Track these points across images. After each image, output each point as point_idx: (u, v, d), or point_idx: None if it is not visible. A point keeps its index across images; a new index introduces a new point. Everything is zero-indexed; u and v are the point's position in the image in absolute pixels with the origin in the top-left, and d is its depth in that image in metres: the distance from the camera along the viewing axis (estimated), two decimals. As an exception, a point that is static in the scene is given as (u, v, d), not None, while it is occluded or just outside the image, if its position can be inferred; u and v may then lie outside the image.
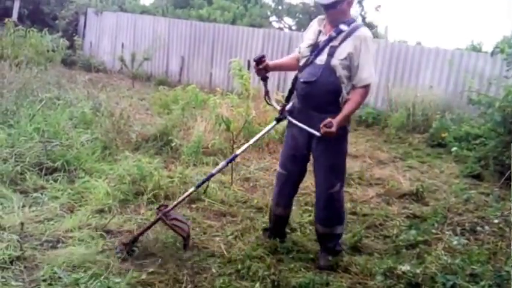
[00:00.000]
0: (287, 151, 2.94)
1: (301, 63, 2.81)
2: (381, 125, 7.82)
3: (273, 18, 15.59)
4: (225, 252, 2.88)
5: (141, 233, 2.85)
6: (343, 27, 2.65)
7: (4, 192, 3.33)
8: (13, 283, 2.33)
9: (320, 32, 2.76)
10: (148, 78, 11.22)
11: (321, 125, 2.56)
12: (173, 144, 4.82)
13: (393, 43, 9.15)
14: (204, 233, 3.16)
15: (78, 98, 5.94)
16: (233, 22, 12.46)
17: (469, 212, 3.97)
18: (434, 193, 4.54)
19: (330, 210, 2.82)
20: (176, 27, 11.38)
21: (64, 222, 3.00)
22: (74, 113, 5.24)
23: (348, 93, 2.66)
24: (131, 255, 2.73)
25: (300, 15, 14.06)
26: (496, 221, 3.68)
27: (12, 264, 2.48)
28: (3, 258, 2.49)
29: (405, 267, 2.74)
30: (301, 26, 13.26)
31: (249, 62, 8.85)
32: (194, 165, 4.58)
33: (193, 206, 3.65)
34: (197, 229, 3.20)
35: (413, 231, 3.36)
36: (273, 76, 9.16)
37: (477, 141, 5.95)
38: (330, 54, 2.65)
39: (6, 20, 9.14)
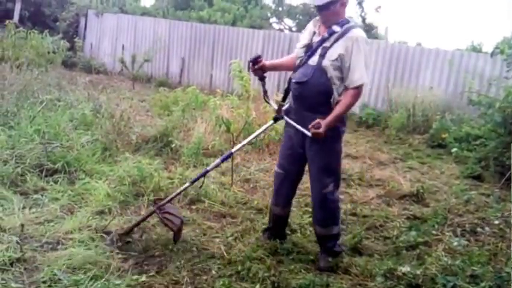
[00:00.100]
0: (284, 151, 2.98)
1: (296, 63, 2.84)
2: (382, 126, 7.82)
3: (273, 20, 15.60)
4: (225, 254, 2.88)
5: (136, 225, 2.94)
6: (336, 28, 2.65)
7: (4, 193, 3.33)
8: (13, 285, 2.32)
9: (314, 33, 2.78)
10: (149, 80, 11.24)
11: (310, 126, 2.60)
12: (173, 146, 4.82)
13: (393, 44, 9.15)
14: (204, 235, 3.16)
15: (78, 99, 5.95)
16: (233, 24, 12.47)
17: (470, 213, 3.97)
18: (435, 194, 4.54)
19: (324, 211, 2.83)
20: (177, 28, 11.40)
21: (64, 224, 3.00)
22: (75, 114, 5.24)
23: (340, 95, 2.66)
24: (124, 244, 2.83)
25: (301, 17, 14.06)
26: (496, 222, 3.67)
27: (12, 266, 2.48)
28: (3, 260, 2.49)
29: (406, 269, 2.74)
30: (302, 27, 13.24)
31: (249, 63, 8.85)
32: (194, 166, 4.59)
33: (193, 207, 3.65)
34: (197, 230, 3.21)
35: (413, 233, 3.36)
36: (273, 76, 9.23)
37: (477, 142, 5.95)
38: (322, 55, 2.66)
39: (7, 21, 9.15)
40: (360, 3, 13.77)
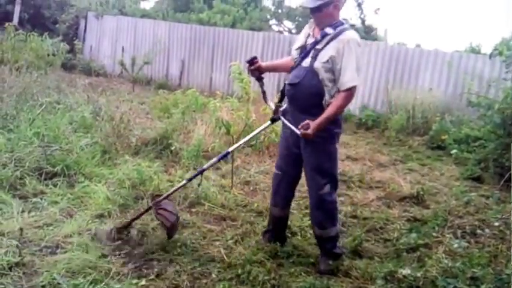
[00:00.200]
0: (281, 151, 3.02)
1: (292, 65, 2.85)
2: (381, 128, 7.82)
3: (272, 22, 15.63)
4: (225, 257, 2.87)
5: (133, 220, 3.01)
6: (328, 30, 2.66)
7: (3, 197, 3.32)
8: (12, 289, 2.32)
9: (309, 35, 2.80)
10: (148, 82, 11.23)
11: (299, 126, 2.61)
12: (173, 148, 4.82)
13: (392, 45, 9.16)
14: (204, 238, 3.15)
15: (78, 102, 5.94)
16: (233, 26, 12.49)
17: (470, 215, 3.96)
18: (435, 196, 4.54)
19: (321, 212, 2.82)
20: (177, 31, 11.40)
21: (64, 228, 3.00)
22: (74, 117, 5.24)
23: (332, 97, 2.66)
24: (122, 239, 2.90)
25: (300, 19, 14.09)
26: (496, 223, 3.67)
27: (11, 271, 2.46)
28: (1, 264, 2.48)
29: (406, 271, 2.74)
30: (301, 29, 13.21)
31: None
32: (194, 169, 4.57)
33: (193, 210, 3.64)
34: (197, 233, 3.20)
35: (413, 235, 3.35)
36: (273, 77, 9.22)
37: (477, 144, 5.95)
38: (314, 57, 2.67)
39: (7, 24, 9.16)
40: (359, 5, 13.81)
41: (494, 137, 5.41)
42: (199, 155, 4.78)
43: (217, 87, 10.18)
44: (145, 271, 2.65)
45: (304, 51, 2.75)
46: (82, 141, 4.50)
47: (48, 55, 8.88)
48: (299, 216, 3.65)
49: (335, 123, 2.71)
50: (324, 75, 2.63)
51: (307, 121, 2.60)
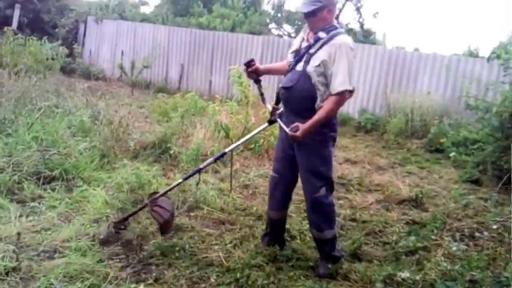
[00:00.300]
0: (278, 154, 3.03)
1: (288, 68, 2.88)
2: (380, 131, 7.84)
3: (272, 26, 15.68)
4: (224, 261, 2.86)
5: (130, 215, 3.08)
6: (321, 34, 2.67)
7: (1, 202, 3.31)
8: (9, 294, 2.31)
9: (303, 39, 2.82)
10: (148, 86, 11.25)
11: (289, 128, 2.64)
12: (172, 152, 4.81)
13: (391, 49, 9.18)
14: (203, 242, 3.14)
15: (77, 106, 5.94)
16: (232, 30, 12.53)
17: (468, 218, 3.96)
18: (433, 199, 4.54)
19: (318, 215, 2.82)
20: (176, 35, 11.43)
21: (61, 232, 2.99)
22: (73, 121, 5.22)
23: (325, 100, 2.66)
24: (118, 232, 2.97)
25: (299, 23, 14.13)
26: (495, 226, 3.67)
27: (8, 276, 2.45)
28: (-1, 269, 2.47)
29: (405, 274, 2.73)
30: (300, 32, 13.30)
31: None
32: (193, 172, 4.57)
33: (192, 214, 3.64)
34: (195, 237, 3.19)
35: (412, 238, 3.35)
36: (273, 80, 9.23)
37: (475, 146, 5.96)
38: (307, 61, 2.69)
39: (6, 28, 9.17)
40: (358, 9, 13.84)
41: (492, 139, 5.42)
42: (198, 159, 4.77)
43: (216, 91, 10.20)
44: (144, 275, 2.64)
45: (298, 55, 2.77)
46: (81, 145, 4.49)
47: (47, 59, 8.88)
48: (298, 219, 3.64)
49: (328, 126, 2.72)
50: (316, 79, 2.65)
51: (296, 123, 2.62)
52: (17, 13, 12.12)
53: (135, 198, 3.68)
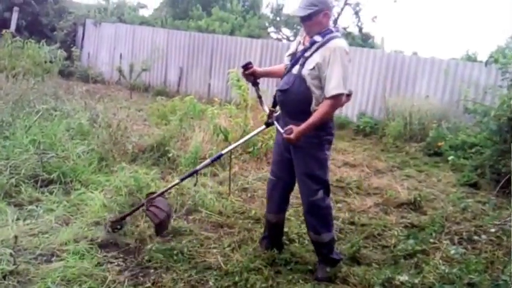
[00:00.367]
0: (275, 157, 3.05)
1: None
2: (379, 134, 7.85)
3: (271, 29, 15.74)
4: (222, 265, 2.86)
5: (127, 215, 3.12)
6: (317, 38, 2.68)
7: (-2, 205, 3.30)
8: (6, 298, 2.30)
9: (300, 42, 2.84)
10: (146, 89, 11.24)
11: (283, 131, 2.66)
12: (170, 155, 4.81)
13: (389, 53, 9.22)
14: (201, 245, 3.13)
15: (75, 109, 5.93)
16: (231, 33, 12.56)
17: (467, 221, 3.96)
18: (432, 202, 4.54)
19: (315, 218, 2.82)
20: (175, 38, 11.45)
21: (59, 235, 2.97)
22: (71, 124, 5.21)
23: (320, 103, 2.66)
24: (114, 232, 3.01)
25: (298, 26, 14.17)
26: (493, 229, 3.67)
27: (5, 279, 2.44)
28: (-4, 273, 2.46)
29: (404, 277, 2.73)
30: (299, 36, 13.36)
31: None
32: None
33: (190, 217, 3.63)
34: (194, 241, 3.17)
35: (411, 241, 3.34)
36: (272, 83, 9.24)
37: (473, 150, 5.97)
38: (302, 65, 2.70)
39: (4, 31, 9.16)
40: (356, 13, 13.91)
41: (490, 143, 5.43)
42: (196, 162, 4.76)
43: (215, 94, 10.21)
44: (142, 279, 2.63)
45: (294, 58, 2.79)
46: (79, 148, 4.48)
47: (45, 62, 8.87)
48: (297, 223, 3.63)
49: (324, 130, 2.72)
50: (311, 82, 2.66)
51: (290, 126, 2.64)
52: (15, 16, 12.12)
53: (133, 202, 3.65)
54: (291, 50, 2.88)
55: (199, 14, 14.09)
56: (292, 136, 2.61)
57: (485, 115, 5.56)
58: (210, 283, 2.65)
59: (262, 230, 3.35)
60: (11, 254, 2.61)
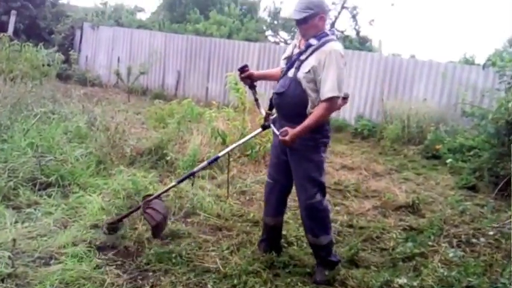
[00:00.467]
0: (272, 160, 3.06)
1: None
2: (377, 137, 7.86)
3: (268, 33, 15.78)
4: (221, 268, 2.85)
5: (123, 217, 3.11)
6: (313, 41, 2.69)
7: (-4, 208, 3.29)
8: (4, 301, 2.29)
9: (296, 45, 2.85)
10: (144, 92, 11.23)
11: (279, 133, 2.67)
12: (168, 158, 4.80)
13: (387, 56, 9.25)
14: (200, 248, 3.13)
15: (73, 112, 5.92)
16: (229, 36, 12.59)
17: (465, 224, 3.97)
18: (430, 205, 4.55)
19: (313, 221, 2.82)
20: (173, 41, 11.46)
21: (57, 238, 2.97)
22: (69, 127, 5.21)
23: (315, 107, 2.67)
24: (111, 234, 3.01)
25: (296, 30, 14.21)
26: (491, 232, 3.68)
27: (3, 282, 2.43)
28: (-6, 276, 2.45)
29: (402, 280, 2.73)
30: (296, 39, 13.39)
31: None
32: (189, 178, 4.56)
33: (189, 220, 3.63)
34: (192, 244, 3.17)
35: (409, 244, 3.35)
36: (269, 86, 9.27)
37: (471, 153, 5.99)
38: (297, 68, 2.72)
39: (2, 34, 9.14)
40: (354, 17, 13.96)
41: (488, 146, 5.45)
42: (194, 165, 4.75)
43: (213, 97, 10.21)
44: (140, 282, 2.63)
45: (290, 61, 2.80)
46: (77, 151, 4.47)
47: (43, 65, 8.85)
48: (295, 226, 3.63)
49: (320, 132, 2.73)
50: (306, 85, 2.67)
51: (286, 128, 2.64)
52: (13, 19, 12.11)
53: (131, 205, 3.64)
54: (287, 53, 2.89)
55: (196, 17, 14.11)
56: (287, 138, 2.62)
57: (483, 118, 5.58)
58: (209, 286, 2.64)
59: (260, 233, 3.34)
60: (9, 257, 2.60)
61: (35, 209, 3.39)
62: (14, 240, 2.74)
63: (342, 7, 13.93)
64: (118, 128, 4.90)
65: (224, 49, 10.69)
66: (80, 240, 2.99)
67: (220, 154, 3.22)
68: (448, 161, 6.04)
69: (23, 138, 4.44)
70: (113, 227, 3.06)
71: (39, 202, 3.54)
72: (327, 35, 2.71)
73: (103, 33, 12.71)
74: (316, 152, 2.76)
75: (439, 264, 3.05)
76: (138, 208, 3.11)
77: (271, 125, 2.91)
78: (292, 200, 3.55)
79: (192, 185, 3.53)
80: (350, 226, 3.80)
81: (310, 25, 2.69)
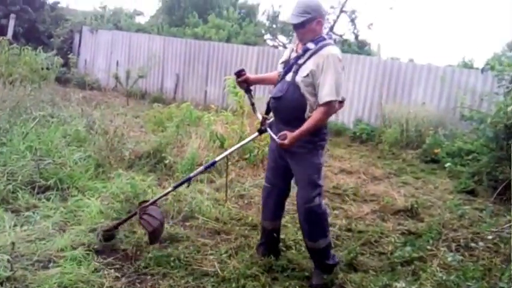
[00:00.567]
0: (269, 164, 3.07)
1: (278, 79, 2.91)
2: (375, 141, 7.87)
3: (267, 37, 15.81)
4: (219, 271, 2.85)
5: (119, 224, 3.12)
6: (310, 45, 2.71)
7: (-5, 211, 3.28)
8: (2, 305, 2.28)
9: (293, 49, 2.86)
10: (143, 96, 11.25)
11: (277, 136, 2.68)
12: (167, 162, 4.80)
13: (385, 60, 9.27)
14: (198, 252, 3.13)
15: (72, 115, 5.92)
16: (228, 40, 12.61)
17: (464, 228, 3.97)
18: (429, 209, 4.55)
19: (311, 225, 2.82)
20: (172, 45, 11.48)
21: (56, 242, 2.96)
22: (68, 130, 5.20)
23: (313, 110, 2.68)
24: (108, 240, 3.01)
25: (294, 34, 14.25)
26: (490, 237, 3.68)
27: (2, 285, 2.43)
28: (-8, 279, 2.44)
29: (401, 285, 2.74)
30: (295, 43, 13.41)
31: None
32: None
33: (187, 224, 3.62)
34: (191, 247, 3.17)
35: (408, 248, 3.35)
36: (267, 90, 9.28)
37: (470, 157, 6.00)
38: (295, 72, 2.72)
39: (1, 38, 9.15)
40: (352, 20, 14.00)
41: (487, 150, 5.46)
42: (193, 169, 4.75)
43: (211, 100, 10.23)
44: (138, 285, 2.63)
45: (287, 65, 2.81)
46: (76, 154, 4.47)
47: (42, 69, 8.87)
48: (294, 229, 3.63)
49: (317, 135, 2.74)
50: (305, 89, 2.68)
51: (284, 131, 2.66)
52: (12, 23, 12.13)
53: (130, 208, 3.64)
54: (284, 57, 2.90)
55: (195, 21, 14.14)
56: (286, 142, 2.64)
57: (482, 122, 5.59)
58: (207, 290, 2.64)
59: (259, 237, 3.34)
60: (8, 260, 2.59)
61: (33, 213, 3.38)
62: (13, 243, 2.73)
63: (341, 11, 13.97)
64: (117, 131, 4.91)
65: (223, 53, 10.72)
66: (79, 243, 2.98)
67: (217, 159, 3.22)
68: (447, 165, 6.04)
69: (22, 141, 4.44)
70: (109, 235, 3.06)
71: (38, 205, 3.54)
72: (324, 39, 2.72)
73: (102, 37, 12.73)
74: (314, 154, 2.77)
75: (438, 268, 3.05)
76: (134, 214, 3.10)
77: (268, 129, 2.92)
78: (290, 204, 3.55)
79: (188, 186, 3.52)
80: (349, 230, 3.80)
81: (307, 29, 2.70)
